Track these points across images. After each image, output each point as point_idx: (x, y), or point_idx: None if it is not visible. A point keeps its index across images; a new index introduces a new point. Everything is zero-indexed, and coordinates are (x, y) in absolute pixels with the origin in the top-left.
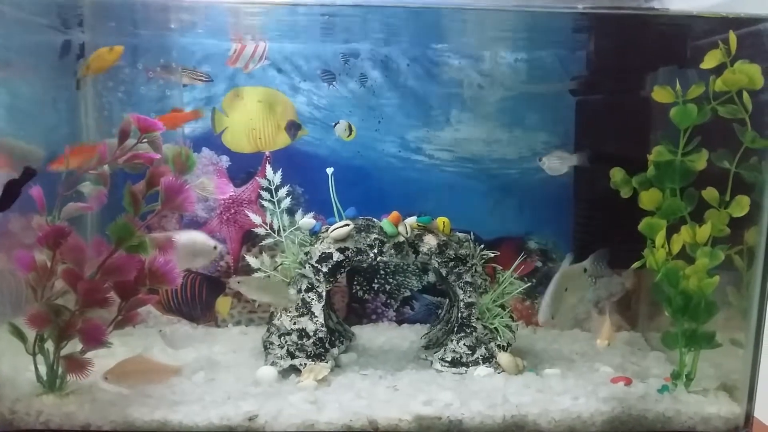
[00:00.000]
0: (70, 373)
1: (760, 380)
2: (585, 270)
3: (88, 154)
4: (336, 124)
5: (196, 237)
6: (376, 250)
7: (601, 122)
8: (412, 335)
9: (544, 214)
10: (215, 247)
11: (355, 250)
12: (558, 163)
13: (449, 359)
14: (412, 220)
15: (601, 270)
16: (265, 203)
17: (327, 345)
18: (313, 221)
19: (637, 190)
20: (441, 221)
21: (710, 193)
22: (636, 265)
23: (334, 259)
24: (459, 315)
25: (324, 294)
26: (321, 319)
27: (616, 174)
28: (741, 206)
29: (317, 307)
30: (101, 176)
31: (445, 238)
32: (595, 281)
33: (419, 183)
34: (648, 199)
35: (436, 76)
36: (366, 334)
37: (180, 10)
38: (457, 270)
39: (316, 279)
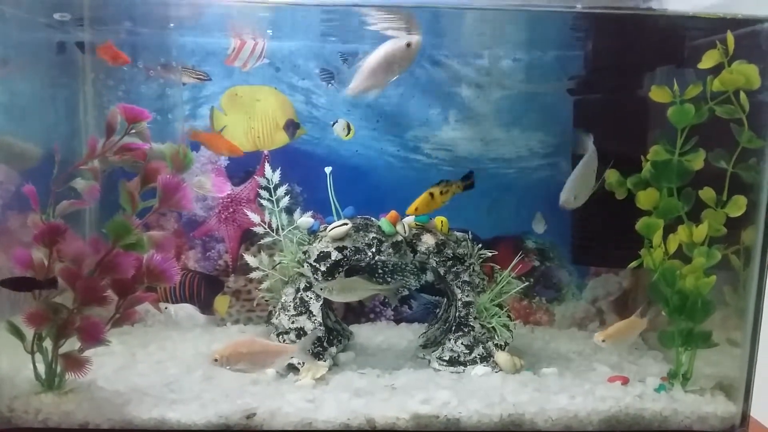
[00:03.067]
0: (68, 371)
1: (756, 379)
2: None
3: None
4: (334, 123)
5: (386, 45)
6: (374, 249)
7: (599, 122)
8: (410, 334)
9: (542, 213)
10: (409, 44)
11: (353, 249)
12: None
13: (447, 358)
14: (410, 220)
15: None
16: (264, 202)
17: (325, 344)
18: (312, 220)
19: (632, 191)
20: (439, 220)
21: (707, 193)
22: (633, 264)
23: (333, 258)
24: (457, 314)
25: None
26: (319, 318)
27: (611, 176)
28: (738, 206)
29: (315, 306)
30: (93, 171)
31: (443, 238)
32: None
33: (418, 182)
34: (645, 198)
35: (434, 75)
36: (364, 333)
37: (180, 8)
38: (455, 269)
39: (315, 278)
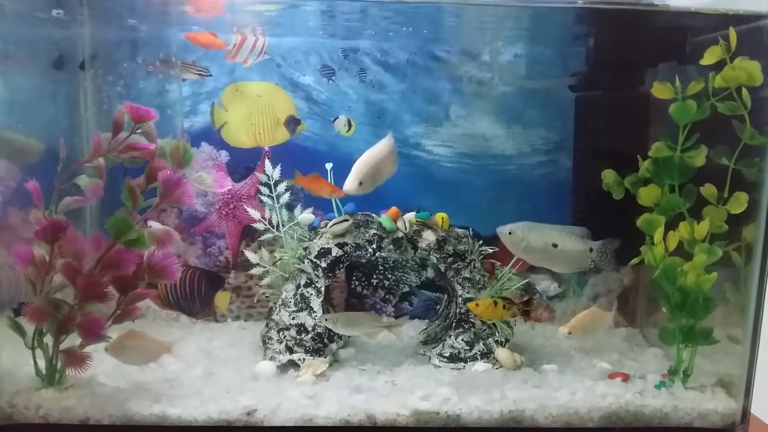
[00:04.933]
0: (69, 367)
1: (757, 376)
2: (591, 250)
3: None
4: (335, 120)
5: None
6: (374, 246)
7: (600, 118)
8: (410, 331)
9: (543, 209)
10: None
11: (353, 245)
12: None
13: (447, 355)
14: (410, 216)
15: (604, 260)
16: (264, 198)
17: (325, 340)
18: (312, 216)
19: (629, 190)
20: (440, 217)
21: (708, 190)
22: (634, 261)
23: (333, 254)
24: (457, 311)
25: (323, 289)
26: (319, 314)
27: (608, 176)
28: (739, 203)
29: (316, 303)
30: (97, 169)
31: (443, 234)
32: (592, 265)
33: (418, 179)
34: (647, 195)
35: (435, 72)
36: None
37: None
38: (455, 266)
39: (315, 274)
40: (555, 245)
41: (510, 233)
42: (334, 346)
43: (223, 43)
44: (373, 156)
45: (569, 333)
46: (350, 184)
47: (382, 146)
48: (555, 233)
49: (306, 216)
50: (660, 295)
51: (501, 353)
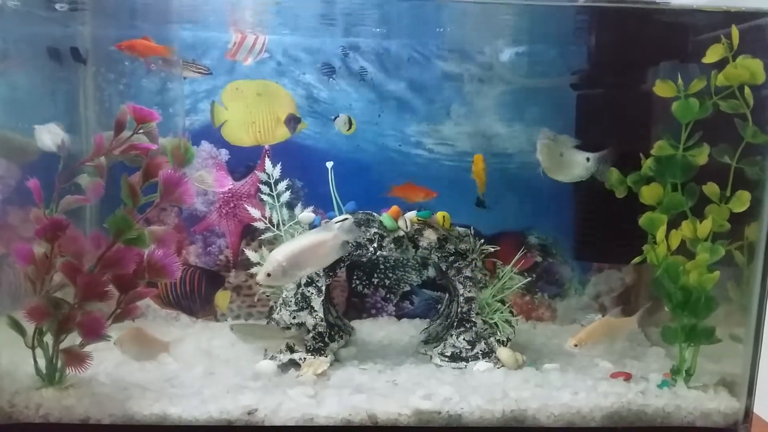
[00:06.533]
0: (69, 366)
1: (759, 375)
2: (588, 159)
3: None
4: (336, 118)
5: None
6: (375, 245)
7: (602, 117)
8: (411, 330)
9: (545, 208)
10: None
11: (354, 244)
12: None
13: (449, 354)
14: (411, 215)
15: (601, 170)
16: (265, 197)
17: (326, 339)
18: (313, 215)
19: (632, 188)
20: (441, 216)
21: (711, 188)
22: (636, 260)
23: None
24: (459, 310)
25: (323, 288)
26: (320, 314)
27: (612, 174)
28: (741, 201)
29: (317, 302)
30: (98, 168)
31: (445, 233)
32: (591, 174)
33: (419, 177)
34: (649, 193)
35: (435, 70)
36: (365, 328)
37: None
38: (456, 265)
39: (316, 273)
40: (561, 154)
41: (552, 139)
42: (335, 345)
43: (162, 48)
44: (292, 247)
45: (575, 345)
46: (259, 275)
47: (309, 238)
48: (569, 141)
49: (306, 215)
50: (662, 294)
51: (502, 352)
